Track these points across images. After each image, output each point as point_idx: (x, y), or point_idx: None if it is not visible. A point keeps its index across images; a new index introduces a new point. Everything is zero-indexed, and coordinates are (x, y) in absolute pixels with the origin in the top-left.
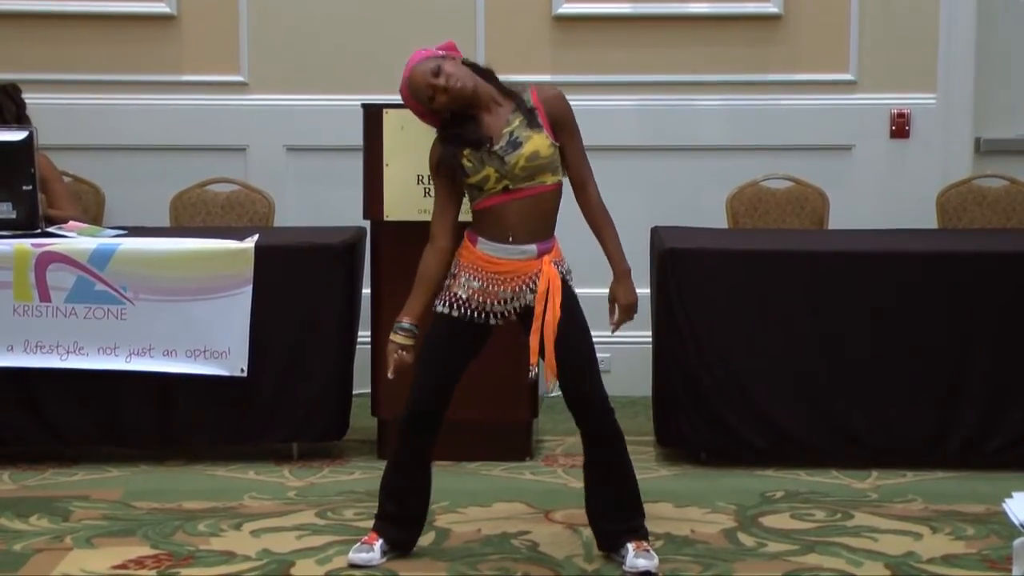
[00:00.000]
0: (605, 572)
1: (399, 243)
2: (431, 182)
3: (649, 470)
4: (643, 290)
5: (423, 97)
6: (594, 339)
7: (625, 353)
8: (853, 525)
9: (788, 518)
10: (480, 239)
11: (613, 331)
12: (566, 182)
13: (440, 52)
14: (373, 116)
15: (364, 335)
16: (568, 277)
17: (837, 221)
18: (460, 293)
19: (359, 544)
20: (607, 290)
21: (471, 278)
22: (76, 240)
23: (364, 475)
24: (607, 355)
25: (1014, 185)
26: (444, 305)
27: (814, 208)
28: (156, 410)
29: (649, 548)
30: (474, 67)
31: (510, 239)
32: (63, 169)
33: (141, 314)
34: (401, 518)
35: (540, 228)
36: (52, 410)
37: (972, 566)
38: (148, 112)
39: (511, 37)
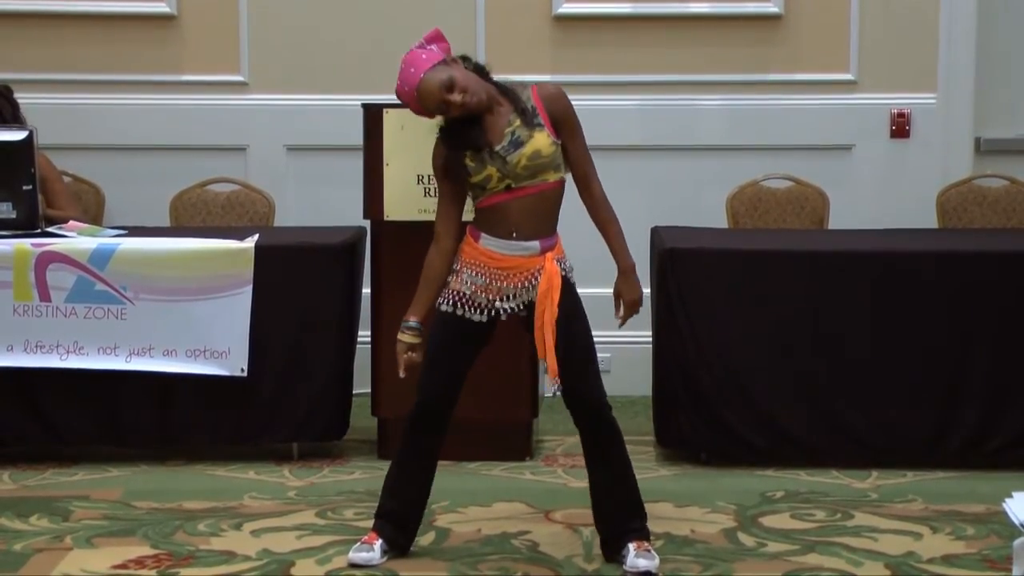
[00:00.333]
0: (605, 572)
1: (399, 243)
2: (432, 182)
3: (649, 470)
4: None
5: (434, 109)
6: (595, 339)
7: (625, 353)
8: (853, 525)
9: (788, 518)
10: (483, 235)
11: (620, 326)
12: (569, 178)
13: (440, 55)
14: (373, 116)
15: (364, 335)
16: (570, 275)
17: (837, 221)
18: (463, 290)
19: (359, 544)
20: (610, 289)
21: (473, 274)
22: (76, 240)
23: (364, 475)
24: (607, 355)
25: (1014, 185)
26: (447, 303)
27: (814, 208)
28: (156, 410)
29: (650, 548)
30: (476, 68)
31: (513, 235)
32: (63, 169)
33: (141, 314)
34: (400, 518)
35: (543, 225)
36: (52, 410)
37: (972, 566)
38: (148, 112)
39: (511, 37)
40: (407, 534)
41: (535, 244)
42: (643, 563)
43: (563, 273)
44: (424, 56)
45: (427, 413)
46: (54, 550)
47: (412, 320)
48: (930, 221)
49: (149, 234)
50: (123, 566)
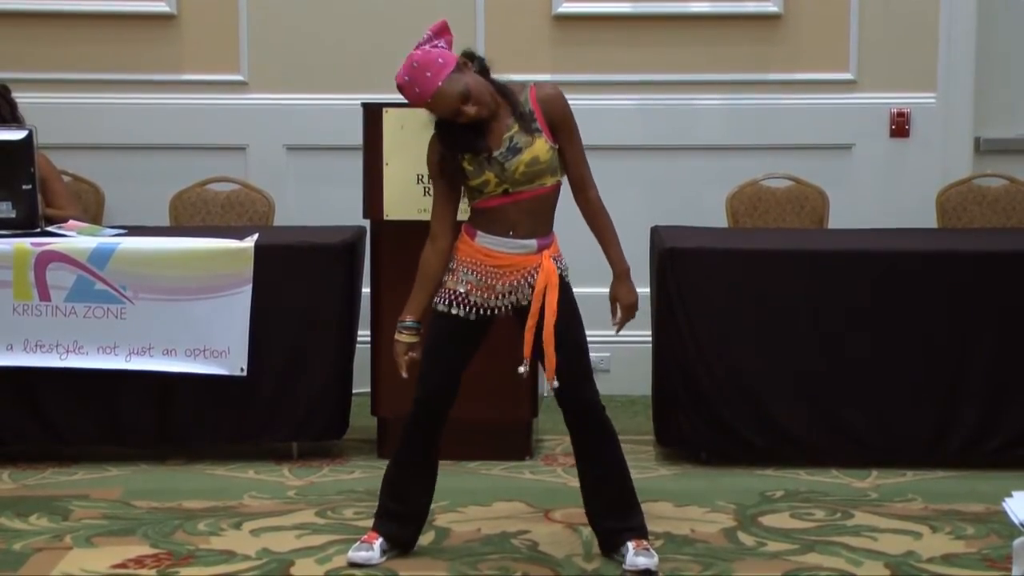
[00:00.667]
0: (605, 571)
1: (399, 242)
2: (430, 181)
3: (649, 469)
4: (643, 289)
5: (445, 115)
6: (594, 338)
7: (625, 352)
8: (853, 524)
9: (788, 517)
10: (479, 233)
11: (617, 331)
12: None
13: (453, 59)
14: (373, 115)
15: (364, 334)
16: (565, 274)
17: (837, 220)
18: (459, 288)
19: (358, 543)
20: (606, 289)
21: (469, 272)
22: (76, 239)
23: (364, 474)
24: (607, 354)
25: (1014, 184)
26: (444, 303)
27: (814, 207)
28: (156, 409)
29: (649, 547)
30: (480, 69)
31: (510, 234)
32: (63, 168)
33: (141, 313)
34: (403, 515)
35: (540, 225)
36: (52, 409)
37: (972, 565)
38: (148, 111)
39: (511, 36)
40: (411, 531)
41: (532, 242)
42: (642, 561)
43: (559, 271)
44: (440, 60)
45: (425, 411)
46: (54, 549)
47: (409, 320)
48: (930, 221)
49: (149, 233)
50: (123, 565)
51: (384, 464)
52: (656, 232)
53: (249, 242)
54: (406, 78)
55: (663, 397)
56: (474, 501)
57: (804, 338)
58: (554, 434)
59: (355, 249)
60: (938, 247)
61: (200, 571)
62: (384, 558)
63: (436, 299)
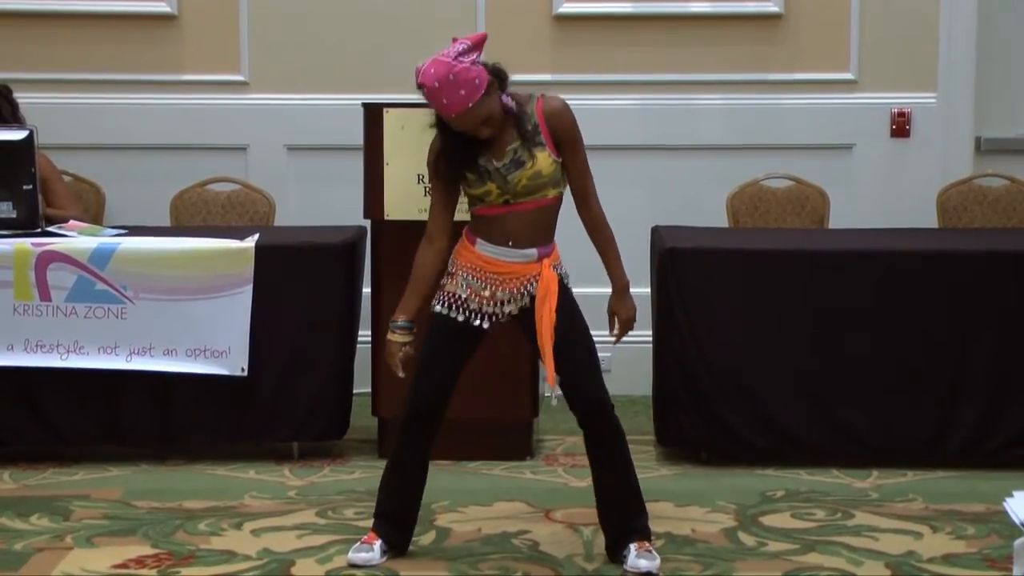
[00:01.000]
0: (605, 572)
1: (399, 242)
2: (430, 199)
3: (649, 469)
4: (643, 289)
5: (460, 129)
6: (596, 339)
7: (625, 352)
8: (853, 524)
9: (788, 517)
10: (479, 240)
11: (615, 343)
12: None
13: (486, 79)
14: (373, 115)
15: (364, 334)
16: (566, 280)
17: (837, 220)
18: (458, 292)
19: (359, 544)
20: (607, 289)
21: (469, 277)
22: (76, 239)
23: (365, 474)
24: (607, 354)
25: (1014, 184)
26: (443, 305)
27: (814, 207)
28: (156, 409)
29: (651, 549)
30: (501, 86)
31: (510, 244)
32: (63, 168)
33: (141, 313)
34: (397, 518)
35: (540, 235)
36: (52, 409)
37: (973, 565)
38: (149, 111)
39: (511, 36)
40: (405, 533)
41: (532, 251)
42: (644, 563)
43: (560, 278)
44: (476, 81)
45: (420, 415)
46: (54, 549)
47: (402, 319)
48: (930, 220)
49: (149, 234)
50: (123, 565)
51: (384, 464)
52: (656, 232)
53: (250, 242)
54: (436, 85)
55: (663, 397)
56: (475, 501)
57: (804, 338)
58: (555, 434)
59: (356, 249)
60: (939, 247)
61: (201, 571)
62: (384, 558)
63: (435, 301)
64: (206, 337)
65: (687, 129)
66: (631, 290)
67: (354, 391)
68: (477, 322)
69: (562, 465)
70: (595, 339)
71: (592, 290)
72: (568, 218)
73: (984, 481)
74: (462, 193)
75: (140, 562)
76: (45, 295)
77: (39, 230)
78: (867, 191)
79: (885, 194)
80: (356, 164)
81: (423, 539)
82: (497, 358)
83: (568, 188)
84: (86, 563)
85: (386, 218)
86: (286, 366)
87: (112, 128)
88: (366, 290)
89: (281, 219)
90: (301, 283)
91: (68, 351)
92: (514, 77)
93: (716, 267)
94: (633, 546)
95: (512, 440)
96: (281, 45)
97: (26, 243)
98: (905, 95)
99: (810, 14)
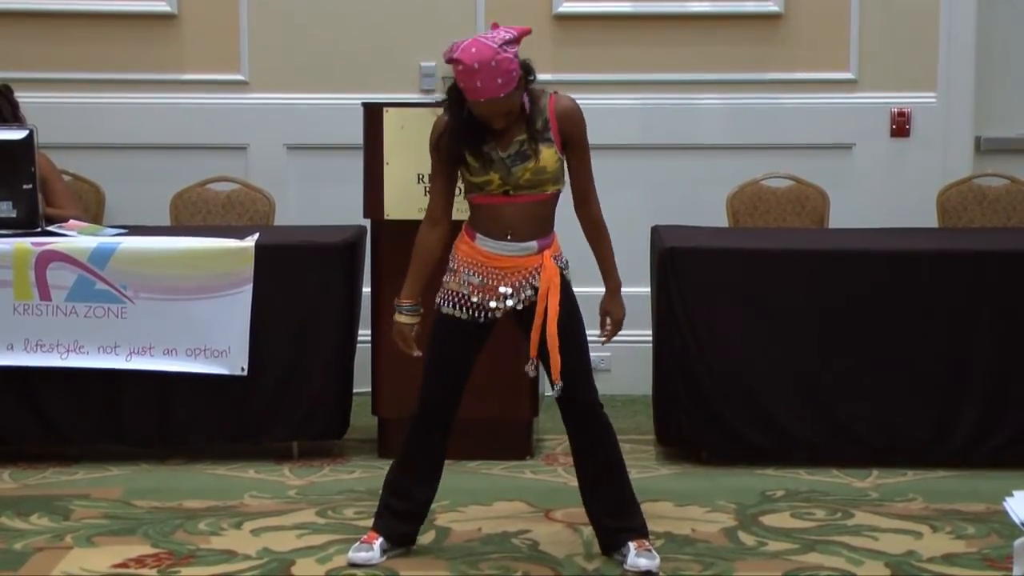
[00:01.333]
0: (606, 571)
1: (399, 242)
2: (431, 181)
3: (650, 469)
4: (643, 289)
5: (480, 114)
6: (595, 338)
7: (625, 352)
8: (853, 524)
9: (788, 517)
10: (479, 235)
11: (605, 343)
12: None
13: (519, 72)
14: (373, 115)
15: (364, 334)
16: (566, 272)
17: (837, 220)
18: (462, 290)
19: (358, 543)
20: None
21: (470, 273)
22: (76, 239)
23: (364, 474)
24: (607, 354)
25: (1014, 184)
26: (446, 304)
27: (814, 207)
28: (156, 409)
29: (651, 548)
30: (527, 82)
31: (508, 237)
32: (63, 168)
33: (141, 313)
34: (404, 512)
35: (539, 227)
36: (53, 409)
37: (973, 565)
38: (149, 111)
39: None
40: (411, 527)
41: (532, 244)
42: (644, 562)
43: (560, 270)
44: (513, 73)
45: (432, 414)
46: (55, 549)
47: (408, 302)
48: (930, 220)
49: (149, 233)
50: (123, 565)
51: (385, 464)
52: (656, 232)
53: (250, 242)
54: (476, 66)
55: (663, 397)
56: (475, 501)
57: (805, 337)
58: (555, 433)
59: (355, 249)
60: (939, 247)
61: (201, 571)
62: (384, 558)
63: (439, 300)
64: (206, 336)
65: (687, 129)
66: (632, 289)
67: (354, 391)
68: (479, 317)
69: (562, 465)
70: (593, 338)
71: (590, 290)
72: (571, 218)
73: (984, 481)
74: (460, 179)
75: (140, 562)
76: (45, 295)
77: (39, 230)
78: (867, 191)
79: (885, 194)
80: (356, 164)
81: (423, 539)
82: (497, 358)
83: (568, 186)
84: (86, 563)
85: (386, 218)
86: (286, 365)
87: (112, 128)
88: (366, 290)
89: (281, 219)
90: (301, 283)
91: (68, 351)
92: None
93: (716, 267)
94: (632, 545)
95: (512, 440)
96: (281, 44)
97: (26, 243)
98: (905, 95)
99: (810, 14)
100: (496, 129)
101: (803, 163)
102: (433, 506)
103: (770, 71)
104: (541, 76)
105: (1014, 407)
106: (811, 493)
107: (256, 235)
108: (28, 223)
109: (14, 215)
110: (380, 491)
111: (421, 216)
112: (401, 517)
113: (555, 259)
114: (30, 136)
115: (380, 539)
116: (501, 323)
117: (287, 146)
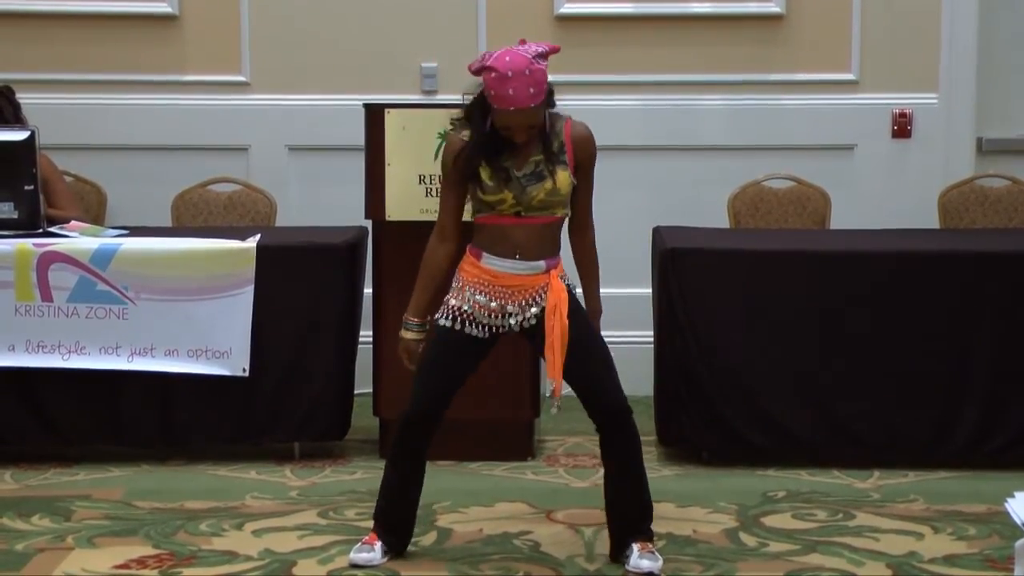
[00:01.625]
0: (607, 572)
1: (401, 243)
2: (433, 181)
3: (651, 470)
4: (644, 290)
5: (503, 124)
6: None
7: (627, 353)
8: (855, 525)
9: (790, 518)
10: (485, 254)
11: None
12: None
13: (546, 89)
14: (375, 116)
15: (366, 335)
16: (572, 288)
17: (839, 221)
18: (465, 307)
19: (360, 544)
20: (613, 290)
21: (476, 292)
22: (78, 240)
23: (366, 475)
24: None
25: (1016, 185)
26: (448, 319)
27: (816, 208)
28: (158, 410)
29: (654, 549)
30: (548, 104)
31: (517, 256)
32: (64, 169)
33: (143, 314)
34: (397, 519)
35: (548, 247)
36: (54, 410)
37: (974, 566)
38: (150, 112)
39: (512, 36)
40: (404, 534)
41: (540, 263)
42: (646, 564)
43: (567, 289)
44: (544, 86)
45: (419, 421)
46: (56, 550)
47: (415, 320)
48: (932, 221)
49: (151, 234)
50: (125, 566)
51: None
52: (658, 232)
53: (251, 243)
54: (510, 74)
55: (665, 397)
56: (476, 502)
57: (806, 338)
58: (556, 435)
59: (357, 250)
60: (940, 248)
61: (202, 571)
62: (385, 559)
63: (440, 315)
64: (207, 337)
65: (688, 129)
66: (633, 290)
67: (355, 392)
68: (483, 334)
69: (563, 466)
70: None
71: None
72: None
73: (985, 481)
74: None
75: (141, 562)
76: (47, 296)
77: (40, 231)
78: (868, 192)
79: (886, 195)
80: (357, 164)
81: (424, 539)
82: (497, 358)
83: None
84: (87, 563)
85: (387, 219)
86: (287, 366)
87: (113, 129)
88: (367, 291)
89: (282, 219)
90: (302, 284)
91: (69, 352)
92: None
93: (717, 268)
94: (635, 546)
95: (513, 440)
96: (282, 45)
97: (28, 244)
98: (906, 96)
99: (811, 15)
100: (516, 144)
101: (804, 164)
102: (435, 507)
103: (771, 72)
104: None
105: (1015, 408)
106: (812, 494)
107: (257, 236)
108: (29, 224)
109: (16, 216)
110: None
111: (422, 217)
112: (393, 523)
113: (561, 278)
114: (32, 137)
115: (381, 540)
116: (507, 335)
117: (288, 147)
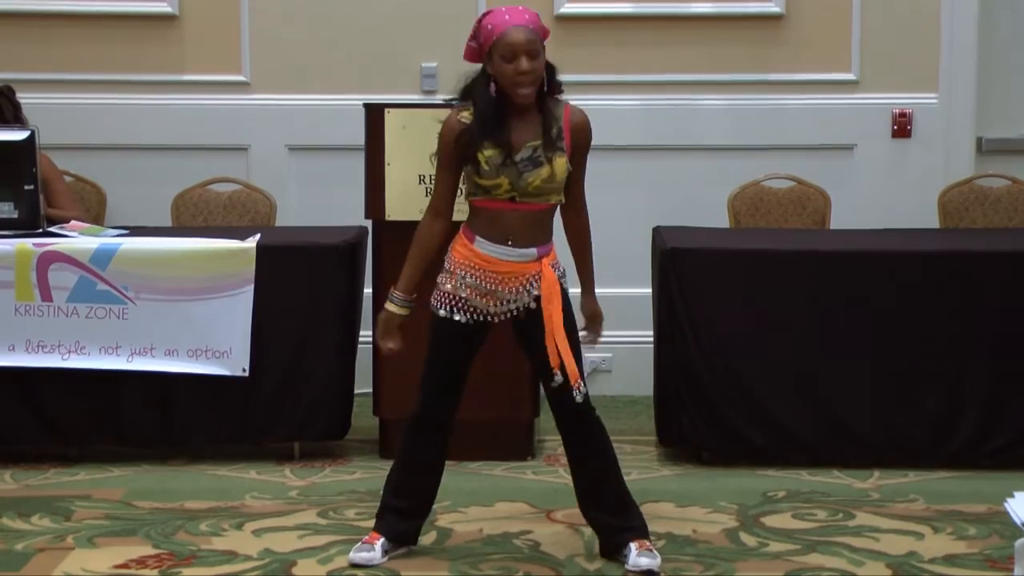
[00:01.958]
0: (607, 572)
1: (401, 243)
2: (436, 176)
3: (651, 470)
4: (645, 290)
5: (518, 49)
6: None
7: (626, 353)
8: (855, 525)
9: (790, 518)
10: (478, 238)
11: (595, 343)
12: None
13: (537, 26)
14: (375, 116)
15: (366, 335)
16: (563, 281)
17: (839, 221)
18: (460, 293)
19: (360, 544)
20: (612, 290)
21: (468, 276)
22: (78, 240)
23: (366, 475)
24: (609, 355)
25: (1016, 185)
26: (444, 308)
27: (816, 208)
28: (158, 410)
29: (652, 548)
30: (550, 81)
31: (509, 242)
32: (64, 169)
33: (143, 314)
34: (405, 510)
35: (540, 235)
36: (54, 410)
37: (974, 566)
38: (150, 112)
39: None
40: (413, 525)
41: (532, 250)
42: (645, 562)
43: (558, 278)
44: (543, 32)
45: (430, 416)
46: (56, 550)
47: (402, 295)
48: (932, 221)
49: (151, 234)
50: (125, 566)
51: (386, 464)
52: (658, 232)
53: (251, 242)
54: (505, 8)
55: (665, 397)
56: (476, 501)
57: (806, 338)
58: (556, 434)
59: (357, 250)
60: (940, 248)
61: (202, 571)
62: (386, 558)
63: (435, 304)
64: (207, 337)
65: (688, 129)
66: (633, 290)
67: (355, 391)
68: (476, 320)
69: (563, 465)
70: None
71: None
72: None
73: (985, 481)
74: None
75: (141, 562)
76: (46, 295)
77: (40, 231)
78: (868, 192)
79: (886, 195)
80: (357, 164)
81: (425, 539)
82: (497, 358)
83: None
84: (87, 563)
85: (387, 218)
86: (287, 366)
87: (113, 128)
88: (367, 290)
89: (282, 219)
90: (302, 283)
91: (69, 351)
92: None
93: (717, 268)
94: (633, 545)
95: (513, 440)
96: (282, 45)
97: (27, 244)
98: (906, 95)
99: (811, 14)
100: (518, 116)
101: (804, 164)
102: (434, 507)
103: (771, 72)
104: None
105: (1015, 408)
106: (812, 494)
107: (257, 236)
108: (29, 224)
109: (15, 216)
110: (381, 492)
111: (422, 217)
112: (403, 515)
113: (552, 267)
114: (32, 137)
115: (381, 539)
116: (500, 325)
117: (288, 147)
